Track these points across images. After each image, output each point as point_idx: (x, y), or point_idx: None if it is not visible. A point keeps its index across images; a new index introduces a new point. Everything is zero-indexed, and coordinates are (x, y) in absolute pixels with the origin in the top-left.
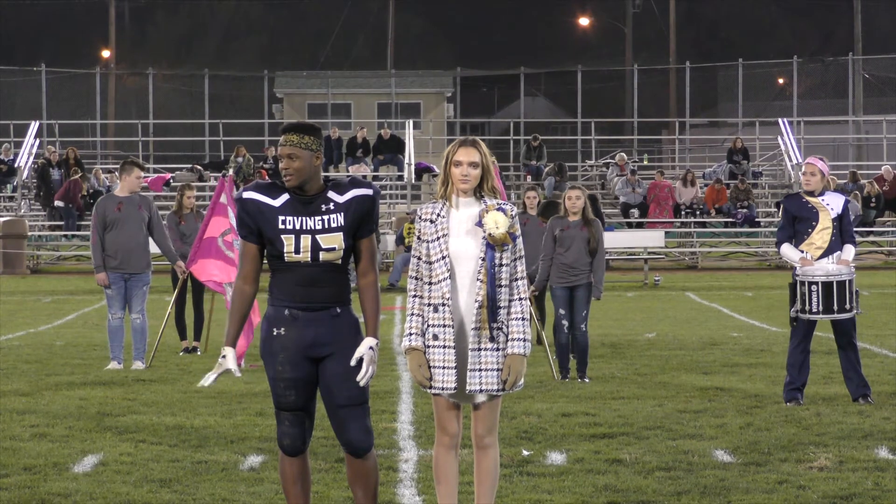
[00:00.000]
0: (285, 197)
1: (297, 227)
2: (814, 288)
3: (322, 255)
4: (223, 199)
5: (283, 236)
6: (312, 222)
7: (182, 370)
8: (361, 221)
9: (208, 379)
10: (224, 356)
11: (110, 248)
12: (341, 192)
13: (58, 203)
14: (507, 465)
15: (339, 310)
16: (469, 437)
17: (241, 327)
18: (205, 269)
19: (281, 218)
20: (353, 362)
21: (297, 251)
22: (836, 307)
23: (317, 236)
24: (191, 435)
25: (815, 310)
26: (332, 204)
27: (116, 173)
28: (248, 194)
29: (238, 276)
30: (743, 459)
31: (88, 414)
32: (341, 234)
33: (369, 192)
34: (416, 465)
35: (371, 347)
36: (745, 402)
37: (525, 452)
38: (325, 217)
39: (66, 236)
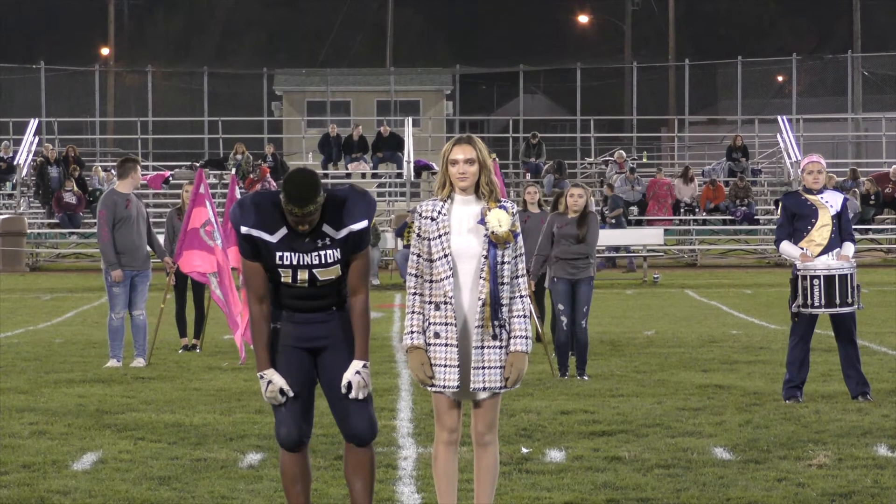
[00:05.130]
0: (283, 231)
1: (294, 262)
2: (815, 282)
3: (319, 283)
4: (202, 189)
5: (280, 270)
6: (309, 258)
7: (181, 368)
8: (355, 248)
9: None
10: (270, 381)
11: (119, 246)
12: (337, 227)
13: (59, 215)
14: (507, 462)
15: (334, 309)
16: (469, 435)
17: (268, 347)
18: (189, 261)
19: (278, 254)
20: (342, 389)
21: (294, 281)
22: (837, 300)
23: (314, 270)
24: (190, 433)
25: (817, 304)
26: (328, 239)
27: (113, 171)
28: (245, 230)
29: (251, 298)
30: (742, 457)
31: (87, 411)
32: (338, 266)
33: (364, 224)
34: (415, 463)
35: (358, 371)
36: (744, 400)
37: (524, 450)
38: (322, 253)
39: (64, 234)
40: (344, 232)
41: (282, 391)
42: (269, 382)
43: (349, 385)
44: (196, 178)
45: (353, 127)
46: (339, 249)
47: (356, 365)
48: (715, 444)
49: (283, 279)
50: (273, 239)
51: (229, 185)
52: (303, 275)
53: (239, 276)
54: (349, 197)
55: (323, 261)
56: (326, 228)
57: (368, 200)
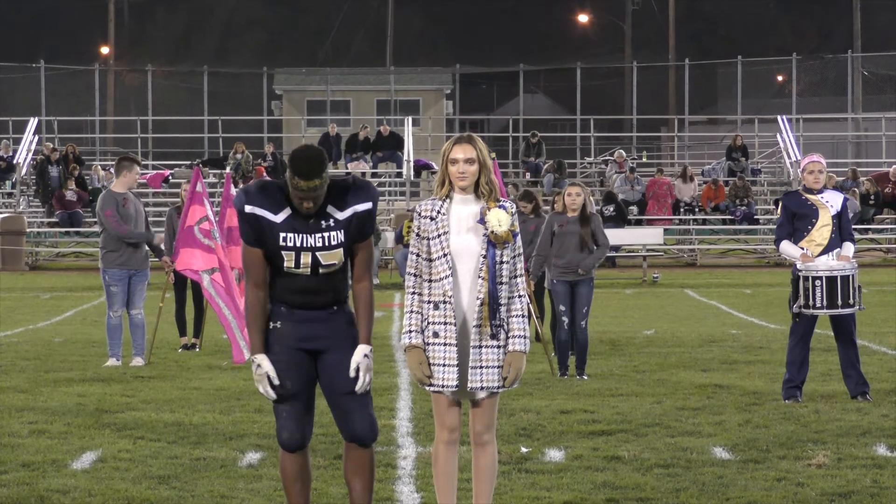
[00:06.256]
0: (287, 212)
1: (298, 244)
2: (817, 283)
3: (322, 270)
4: (198, 187)
5: (283, 252)
6: (313, 240)
7: (181, 367)
8: (360, 233)
9: (269, 393)
10: (259, 364)
11: (116, 244)
12: (341, 208)
13: (59, 212)
14: (506, 462)
15: (335, 307)
16: (467, 434)
17: (264, 333)
18: (184, 258)
19: (282, 235)
20: (351, 373)
21: (296, 266)
22: (839, 302)
23: (317, 253)
24: (189, 431)
25: (818, 305)
26: (332, 220)
27: (111, 170)
28: (249, 209)
29: (248, 284)
30: (741, 457)
31: (87, 410)
32: (341, 250)
33: (368, 205)
34: (414, 462)
35: (366, 355)
36: (743, 400)
37: (524, 449)
38: (326, 234)
39: (67, 232)
40: (348, 212)
41: (269, 378)
42: (259, 366)
43: (357, 368)
44: (193, 177)
45: (361, 128)
46: (342, 231)
47: (363, 349)
48: (714, 443)
49: (285, 263)
50: (277, 219)
51: (224, 184)
52: (306, 258)
53: (240, 276)
54: (353, 182)
55: (326, 243)
56: (331, 210)
57: (372, 188)
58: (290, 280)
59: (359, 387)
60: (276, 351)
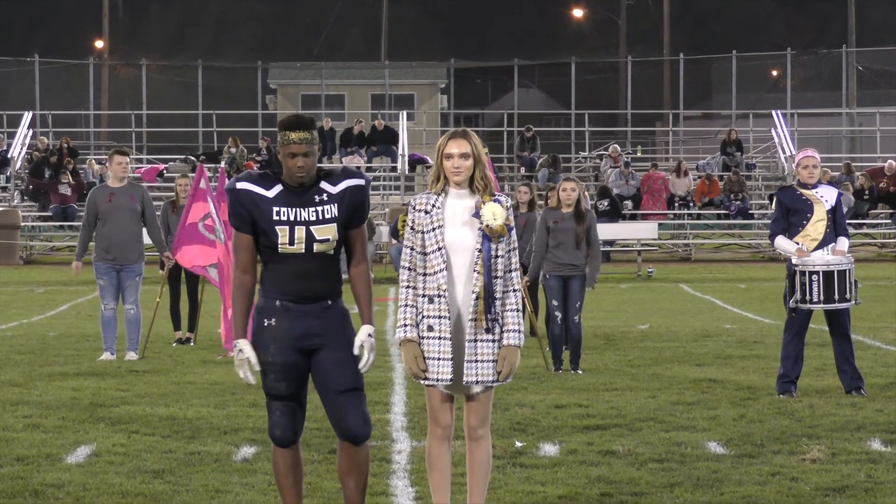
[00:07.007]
0: (279, 188)
1: (292, 218)
2: (814, 278)
3: (316, 247)
4: (202, 184)
5: (277, 227)
6: (307, 213)
7: (175, 361)
8: (354, 212)
9: (248, 378)
10: (241, 349)
11: (103, 241)
12: (334, 183)
13: (53, 206)
14: (501, 456)
15: (329, 302)
16: (462, 429)
17: (247, 318)
18: (188, 255)
19: (275, 209)
20: (356, 351)
21: (291, 242)
22: (836, 296)
23: (311, 227)
24: (184, 426)
25: (815, 299)
26: (325, 195)
27: (106, 164)
28: (241, 185)
29: (236, 269)
30: (736, 451)
31: (81, 405)
32: (335, 225)
33: (361, 182)
34: (408, 457)
35: (370, 335)
36: (738, 394)
37: (518, 444)
38: (319, 208)
39: (61, 227)
40: (341, 186)
41: (250, 364)
42: (240, 351)
43: (361, 346)
44: (197, 174)
45: (355, 122)
46: (336, 205)
47: (367, 329)
48: (709, 438)
49: (280, 240)
50: (269, 194)
51: (219, 178)
52: (300, 232)
53: None
54: (345, 168)
55: (320, 216)
56: (324, 185)
57: (365, 174)
58: (284, 266)
59: (362, 365)
60: (272, 352)
